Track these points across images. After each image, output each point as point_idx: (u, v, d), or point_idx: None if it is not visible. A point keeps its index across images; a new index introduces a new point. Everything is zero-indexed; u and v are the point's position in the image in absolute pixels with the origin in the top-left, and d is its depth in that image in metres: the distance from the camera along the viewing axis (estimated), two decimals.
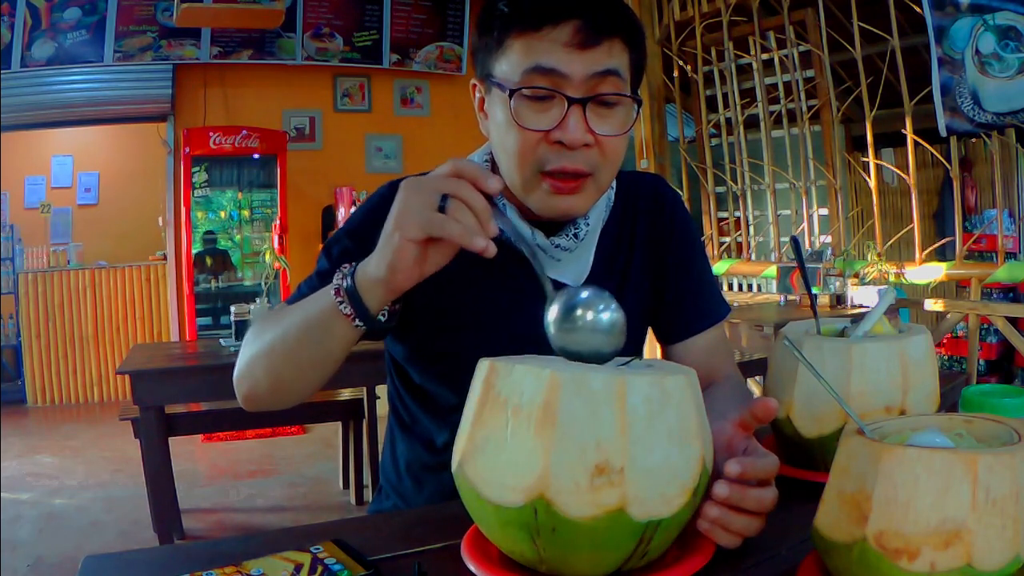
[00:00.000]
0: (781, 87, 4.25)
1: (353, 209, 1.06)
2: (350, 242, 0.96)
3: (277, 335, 0.85)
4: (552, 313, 0.69)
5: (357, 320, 0.78)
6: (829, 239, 4.15)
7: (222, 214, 5.01)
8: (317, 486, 3.62)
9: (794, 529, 0.70)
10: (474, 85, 0.94)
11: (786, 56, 4.16)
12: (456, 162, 0.72)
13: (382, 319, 0.80)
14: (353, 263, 0.79)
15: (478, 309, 0.96)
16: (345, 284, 0.77)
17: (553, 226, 0.94)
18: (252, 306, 2.93)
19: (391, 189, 0.99)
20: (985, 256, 4.26)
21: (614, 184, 1.01)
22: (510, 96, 0.84)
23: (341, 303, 0.77)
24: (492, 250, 0.69)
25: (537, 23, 0.83)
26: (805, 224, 4.23)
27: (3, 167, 5.24)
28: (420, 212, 0.70)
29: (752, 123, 4.48)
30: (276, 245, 4.86)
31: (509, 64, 0.86)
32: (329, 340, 0.81)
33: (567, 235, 0.94)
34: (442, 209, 0.69)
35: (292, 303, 0.92)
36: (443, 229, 0.69)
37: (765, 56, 4.29)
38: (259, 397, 0.89)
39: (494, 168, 0.96)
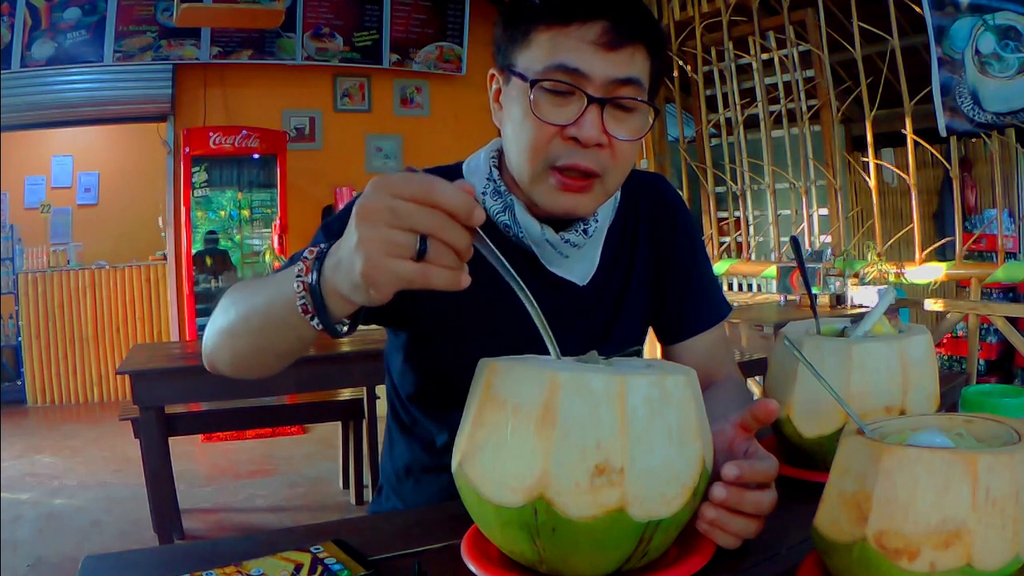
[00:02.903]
0: (781, 87, 4.26)
1: (356, 194, 1.02)
2: None
3: (240, 315, 0.79)
4: None
5: (320, 326, 0.68)
6: (829, 239, 4.15)
7: (222, 214, 5.01)
8: (317, 486, 3.62)
9: (794, 529, 0.71)
10: (492, 75, 0.94)
11: (786, 56, 4.16)
12: (429, 186, 0.58)
13: (343, 328, 0.70)
14: (316, 260, 0.66)
15: (478, 309, 0.96)
16: (312, 301, 0.66)
17: (562, 222, 0.94)
18: None
19: None
20: (985, 256, 4.26)
21: None
22: (531, 87, 0.85)
23: (311, 318, 0.67)
24: (468, 281, 0.60)
25: (566, 18, 0.84)
26: (805, 224, 4.23)
27: (3, 167, 5.24)
28: (394, 264, 0.57)
29: (752, 123, 4.48)
30: (276, 245, 4.86)
31: (533, 56, 0.86)
32: (291, 335, 0.74)
33: (576, 230, 0.94)
34: (421, 251, 0.58)
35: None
36: (427, 281, 0.58)
37: (765, 56, 4.29)
38: (221, 368, 0.86)
39: (501, 163, 0.96)
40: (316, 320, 0.66)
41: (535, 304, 0.64)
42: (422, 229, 0.57)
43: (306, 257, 0.67)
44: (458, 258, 0.59)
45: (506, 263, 0.62)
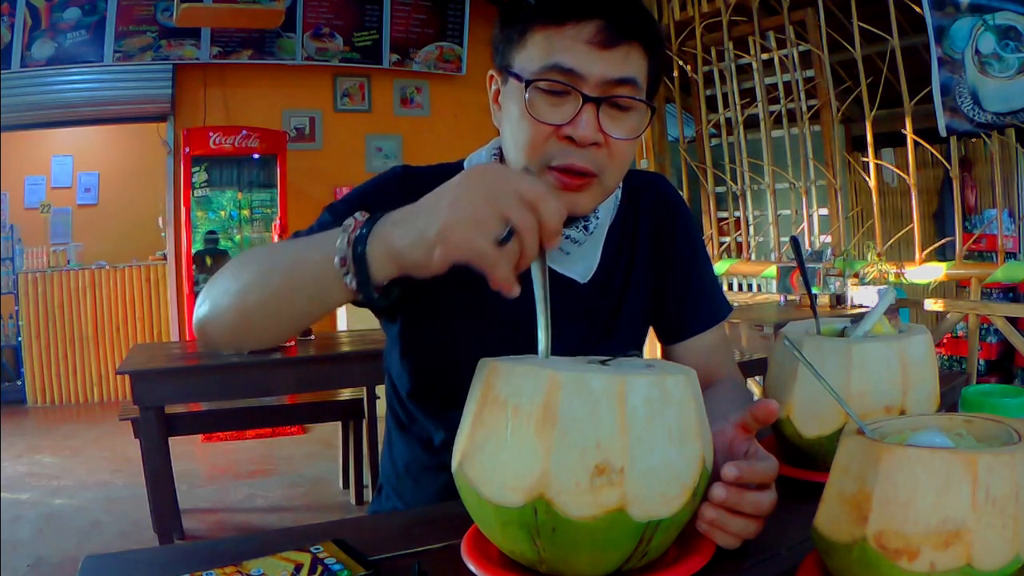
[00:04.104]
0: (781, 87, 4.26)
1: (363, 183, 1.02)
2: (360, 206, 0.95)
3: (260, 271, 0.78)
4: None
5: (353, 282, 0.68)
6: (829, 239, 4.15)
7: (222, 214, 5.01)
8: (317, 486, 3.62)
9: (794, 529, 0.71)
10: (491, 76, 0.95)
11: (786, 56, 4.16)
12: (540, 192, 0.62)
13: (373, 288, 0.69)
14: (368, 221, 0.68)
15: (478, 307, 0.96)
16: (355, 252, 0.67)
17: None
18: None
19: (405, 173, 0.99)
20: (985, 256, 4.26)
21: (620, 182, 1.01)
22: (526, 87, 0.85)
23: (346, 272, 0.67)
24: (518, 292, 0.63)
25: (561, 18, 0.84)
26: (805, 224, 4.23)
27: (3, 167, 5.24)
28: (476, 238, 0.61)
29: (752, 123, 4.48)
30: None
31: (529, 57, 0.86)
32: (315, 295, 0.73)
33: (577, 227, 0.94)
34: (502, 240, 0.61)
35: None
36: (493, 269, 0.61)
37: (765, 56, 4.29)
38: (216, 334, 0.81)
39: (502, 161, 0.97)
40: (350, 276, 0.67)
41: (549, 329, 0.67)
42: (515, 223, 0.61)
43: (356, 218, 0.68)
44: (518, 266, 0.63)
45: (547, 290, 0.66)
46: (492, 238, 0.61)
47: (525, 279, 0.66)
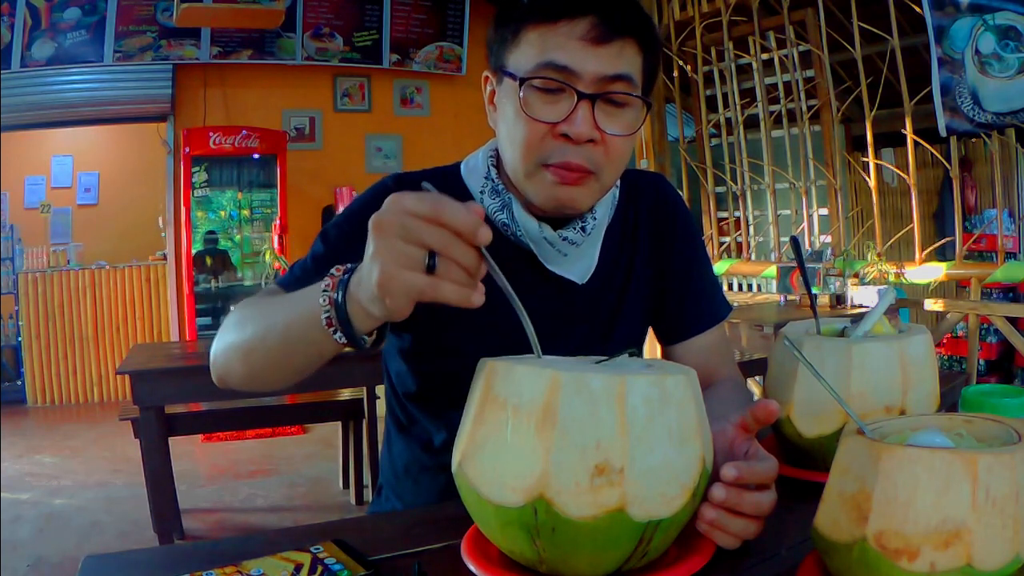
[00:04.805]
0: (781, 87, 4.26)
1: (355, 196, 1.03)
2: (349, 228, 0.96)
3: (258, 332, 0.80)
4: None
5: (343, 339, 0.71)
6: (829, 239, 4.15)
7: (222, 214, 5.01)
8: (317, 486, 3.62)
9: (794, 529, 0.71)
10: (486, 77, 0.95)
11: (786, 56, 4.16)
12: (437, 205, 0.60)
13: (366, 340, 0.72)
14: (341, 281, 0.68)
15: (478, 309, 0.96)
16: (339, 317, 0.68)
17: (560, 220, 0.93)
18: None
19: (397, 182, 0.99)
20: (985, 256, 4.26)
21: (618, 182, 1.01)
22: (520, 86, 0.85)
23: (334, 331, 0.69)
24: (480, 300, 0.62)
25: (554, 16, 0.84)
26: (805, 224, 4.23)
27: (3, 167, 5.24)
28: (407, 279, 0.60)
29: (752, 123, 4.49)
30: (276, 245, 4.87)
31: (523, 56, 0.86)
32: (312, 350, 0.76)
33: (574, 228, 0.94)
34: (431, 266, 0.60)
35: (285, 284, 0.92)
36: (436, 294, 0.60)
37: (765, 56, 4.29)
38: (232, 383, 0.87)
39: (499, 162, 0.97)
40: (339, 334, 0.69)
41: (530, 324, 0.66)
42: (430, 245, 0.60)
43: (333, 274, 0.69)
44: (468, 275, 0.61)
45: (509, 286, 0.64)
46: (420, 270, 0.60)
47: (521, 285, 0.66)
